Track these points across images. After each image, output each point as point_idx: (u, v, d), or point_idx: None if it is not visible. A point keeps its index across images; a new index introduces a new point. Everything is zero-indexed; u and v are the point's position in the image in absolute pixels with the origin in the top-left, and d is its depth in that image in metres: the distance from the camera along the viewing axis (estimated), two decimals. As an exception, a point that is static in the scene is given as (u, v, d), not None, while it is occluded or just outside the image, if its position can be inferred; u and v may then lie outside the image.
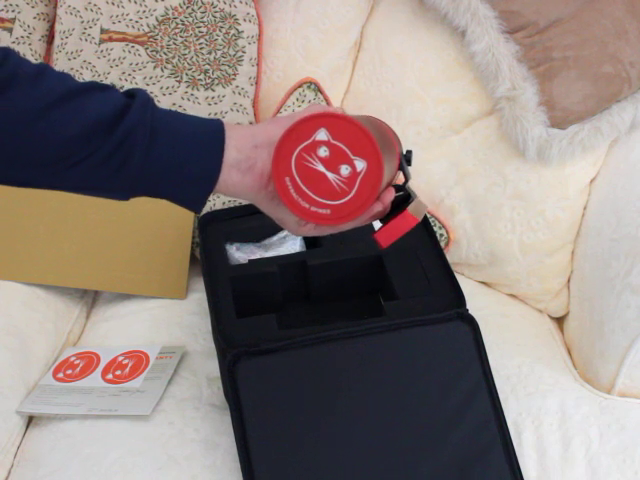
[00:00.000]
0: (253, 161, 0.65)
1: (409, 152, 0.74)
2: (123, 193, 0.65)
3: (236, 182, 0.65)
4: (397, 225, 0.69)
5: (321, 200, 0.63)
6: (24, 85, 0.61)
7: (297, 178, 0.63)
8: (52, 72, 0.63)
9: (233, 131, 0.66)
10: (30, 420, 0.96)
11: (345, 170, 0.63)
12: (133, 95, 0.64)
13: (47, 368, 1.03)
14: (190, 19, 1.12)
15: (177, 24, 1.12)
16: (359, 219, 0.65)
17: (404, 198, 0.73)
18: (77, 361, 1.02)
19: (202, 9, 1.12)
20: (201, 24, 1.13)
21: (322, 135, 0.63)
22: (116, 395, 0.95)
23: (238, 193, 0.67)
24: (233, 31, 1.13)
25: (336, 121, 0.62)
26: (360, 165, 0.62)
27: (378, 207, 0.65)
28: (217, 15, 1.13)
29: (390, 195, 0.67)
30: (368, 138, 0.62)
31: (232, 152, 0.65)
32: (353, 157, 0.62)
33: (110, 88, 0.64)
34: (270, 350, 0.86)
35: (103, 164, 0.62)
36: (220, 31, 1.13)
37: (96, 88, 0.63)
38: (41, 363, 1.02)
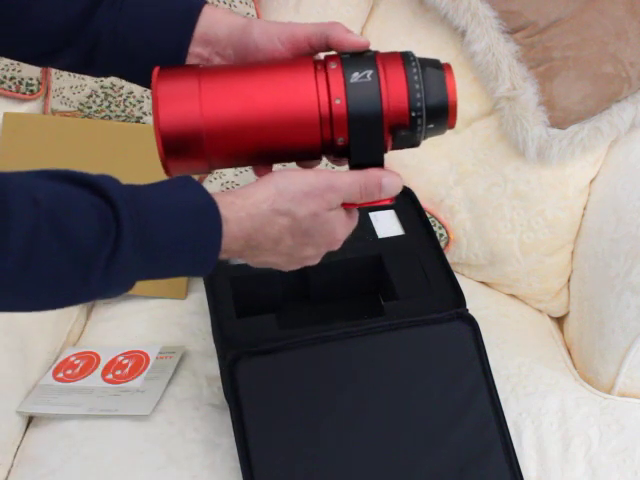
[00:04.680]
0: None
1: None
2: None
3: None
4: None
5: None
6: None
7: None
8: None
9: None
10: (30, 420, 0.96)
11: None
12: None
13: (47, 368, 1.02)
14: (190, 19, 1.12)
15: (177, 24, 1.12)
16: None
17: None
18: (77, 361, 1.02)
19: (202, 9, 1.12)
20: (201, 24, 1.12)
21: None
22: (116, 395, 0.95)
23: None
24: (233, 31, 1.13)
25: (155, 95, 0.58)
26: None
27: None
28: (217, 15, 1.12)
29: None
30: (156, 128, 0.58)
31: None
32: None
33: None
34: (270, 350, 0.86)
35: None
36: (220, 31, 1.13)
37: None
38: (41, 363, 1.02)
